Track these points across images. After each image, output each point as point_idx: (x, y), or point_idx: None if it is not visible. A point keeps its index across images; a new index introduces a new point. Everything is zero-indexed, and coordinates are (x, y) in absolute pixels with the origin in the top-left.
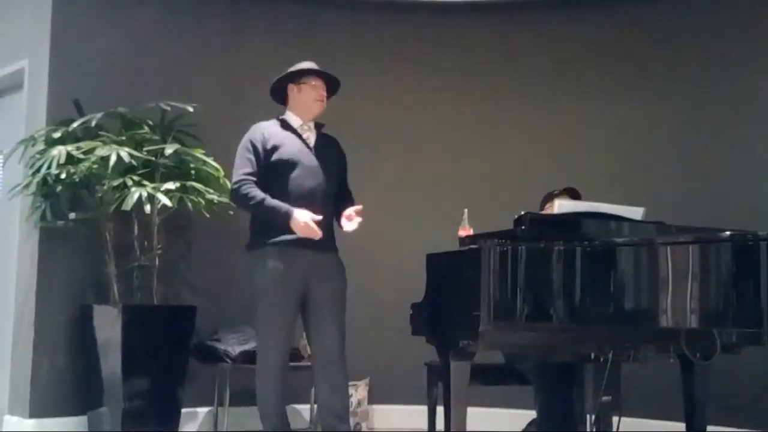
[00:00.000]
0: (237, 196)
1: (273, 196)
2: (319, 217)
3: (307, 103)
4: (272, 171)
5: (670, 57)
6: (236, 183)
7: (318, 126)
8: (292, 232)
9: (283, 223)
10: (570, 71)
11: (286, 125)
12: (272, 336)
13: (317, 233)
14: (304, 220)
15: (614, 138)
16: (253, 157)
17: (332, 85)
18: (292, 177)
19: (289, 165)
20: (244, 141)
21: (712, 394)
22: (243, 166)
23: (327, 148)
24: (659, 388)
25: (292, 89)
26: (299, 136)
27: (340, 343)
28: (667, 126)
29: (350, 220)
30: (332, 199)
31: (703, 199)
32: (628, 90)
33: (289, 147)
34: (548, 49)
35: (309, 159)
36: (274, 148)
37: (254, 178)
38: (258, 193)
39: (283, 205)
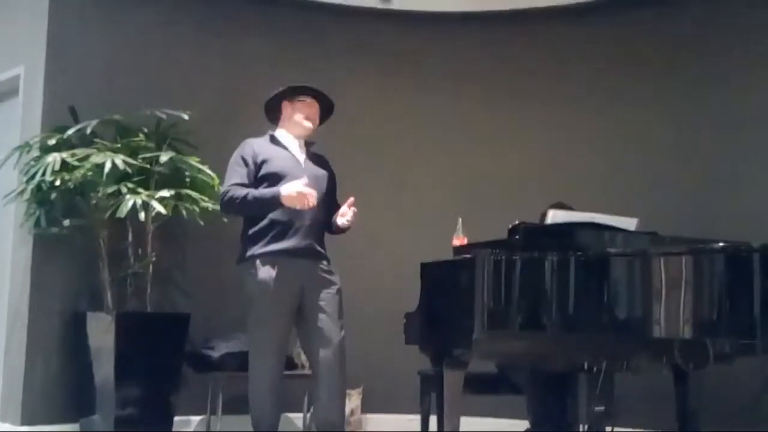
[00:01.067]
0: (224, 202)
1: (265, 213)
2: (305, 180)
3: (299, 121)
4: (262, 184)
5: (669, 60)
6: (223, 193)
7: (308, 144)
8: (281, 240)
9: (274, 207)
10: (568, 76)
11: (276, 141)
12: (266, 345)
13: (311, 194)
14: (295, 189)
15: (613, 142)
16: (243, 170)
17: (326, 109)
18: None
19: (279, 178)
20: (234, 156)
21: (705, 402)
22: (231, 177)
23: (317, 165)
24: (651, 397)
25: (287, 106)
26: (290, 152)
27: (340, 350)
28: (665, 130)
29: (344, 216)
30: (322, 212)
31: (701, 203)
32: (627, 94)
33: (279, 161)
34: (546, 54)
35: (299, 172)
36: (264, 162)
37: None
38: (241, 191)
39: (267, 191)
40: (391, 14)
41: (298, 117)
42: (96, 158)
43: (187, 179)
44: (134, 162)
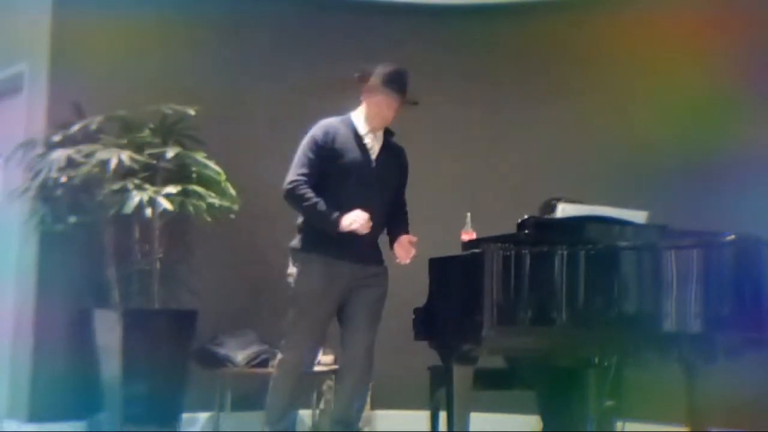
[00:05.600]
0: (291, 195)
1: (325, 202)
2: (365, 216)
3: (380, 113)
4: (330, 176)
5: (669, 56)
6: (291, 183)
7: (387, 134)
8: (337, 239)
9: (330, 228)
10: (571, 71)
11: (353, 128)
12: (300, 345)
13: (365, 227)
14: (350, 222)
15: (618, 138)
16: (314, 156)
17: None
18: (347, 188)
19: (347, 175)
20: (309, 137)
21: (713, 395)
22: (301, 165)
23: (389, 161)
24: (659, 391)
25: (373, 91)
26: (364, 144)
27: (368, 353)
28: (669, 125)
29: (406, 251)
30: (383, 216)
31: (704, 200)
32: (630, 90)
33: (351, 155)
34: (549, 50)
35: (368, 172)
36: (337, 154)
37: (310, 179)
38: (311, 196)
39: (331, 215)
40: (396, 10)
41: (383, 111)
42: (102, 154)
43: (194, 175)
44: (140, 158)
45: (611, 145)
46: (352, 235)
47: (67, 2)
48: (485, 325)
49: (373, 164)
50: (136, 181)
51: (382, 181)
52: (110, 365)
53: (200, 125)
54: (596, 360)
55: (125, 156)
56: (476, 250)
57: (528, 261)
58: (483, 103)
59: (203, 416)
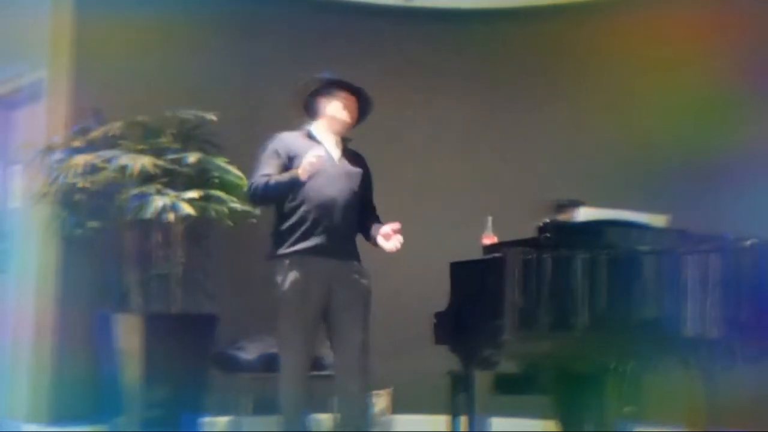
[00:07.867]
0: (250, 194)
1: (293, 203)
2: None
3: (337, 117)
4: None
5: (669, 57)
6: (250, 185)
7: (344, 140)
8: (309, 238)
9: (296, 186)
10: (572, 72)
11: (311, 137)
12: (292, 347)
13: (318, 157)
14: (307, 162)
15: (619, 138)
16: (274, 161)
17: (364, 106)
18: (312, 184)
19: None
20: (267, 149)
21: (734, 400)
22: (260, 169)
23: (351, 162)
24: (658, 391)
25: (323, 101)
26: (323, 147)
27: (362, 353)
28: (669, 126)
29: (388, 239)
30: (354, 211)
31: (704, 199)
32: (630, 90)
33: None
34: (551, 51)
35: (331, 168)
36: (296, 157)
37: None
38: (263, 179)
39: (285, 174)
40: (403, 13)
41: (336, 113)
42: (124, 160)
43: (215, 180)
44: (160, 162)
45: (612, 145)
46: (324, 229)
47: (89, 9)
48: (506, 330)
49: (336, 162)
50: (158, 186)
51: (347, 179)
52: (131, 369)
53: (216, 131)
54: (615, 365)
55: (146, 161)
56: (497, 255)
57: (549, 265)
58: (485, 104)
59: (223, 420)
